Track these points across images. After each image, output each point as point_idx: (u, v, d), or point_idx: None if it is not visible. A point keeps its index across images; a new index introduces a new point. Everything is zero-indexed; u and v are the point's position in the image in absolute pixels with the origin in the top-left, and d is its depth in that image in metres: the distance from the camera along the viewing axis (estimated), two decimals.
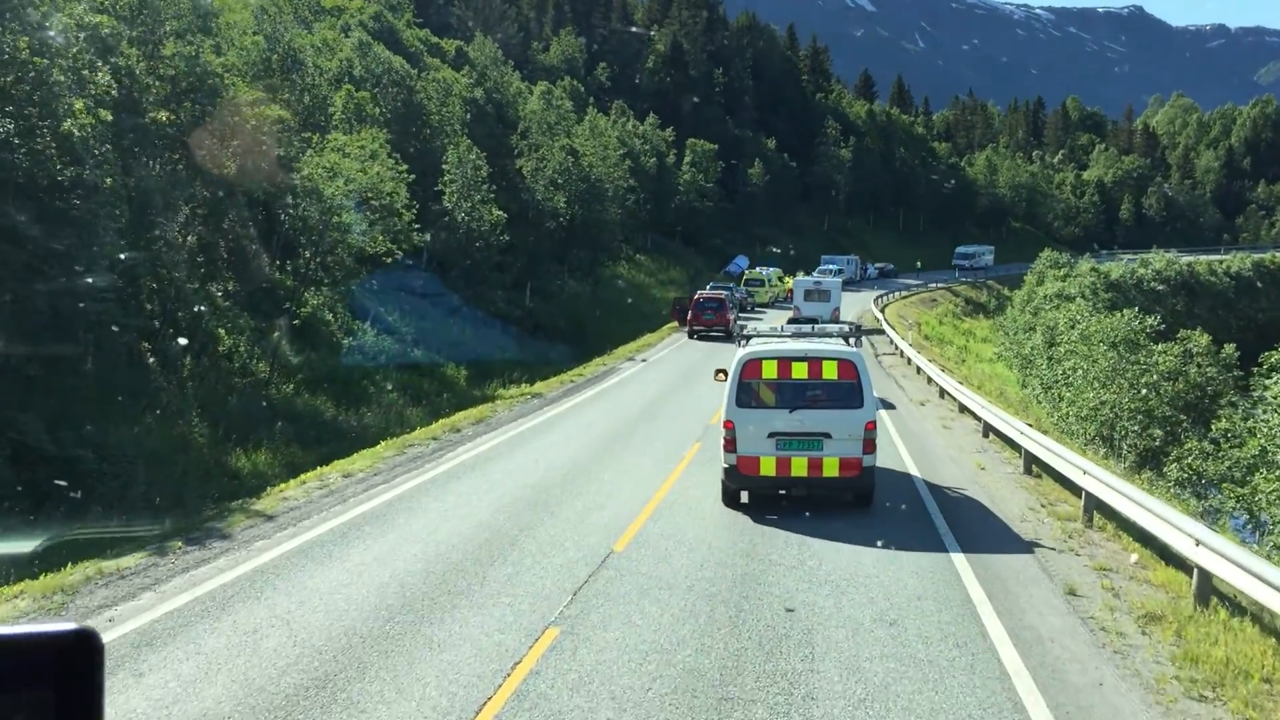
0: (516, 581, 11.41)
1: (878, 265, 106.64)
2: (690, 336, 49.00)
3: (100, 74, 24.37)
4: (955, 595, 11.07)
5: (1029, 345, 54.40)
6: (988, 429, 22.79)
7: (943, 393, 29.75)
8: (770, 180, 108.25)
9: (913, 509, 15.33)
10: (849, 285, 69.89)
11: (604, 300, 67.78)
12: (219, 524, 13.96)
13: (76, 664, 1.46)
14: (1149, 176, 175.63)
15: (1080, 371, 39.48)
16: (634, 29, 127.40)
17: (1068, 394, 40.13)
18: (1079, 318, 48.97)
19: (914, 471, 18.46)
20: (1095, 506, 14.63)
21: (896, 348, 45.06)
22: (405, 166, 36.63)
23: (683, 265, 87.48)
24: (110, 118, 24.96)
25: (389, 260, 34.51)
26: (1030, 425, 19.11)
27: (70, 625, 1.48)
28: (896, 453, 20.64)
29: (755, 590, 11.19)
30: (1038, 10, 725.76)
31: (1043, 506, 15.84)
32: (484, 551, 12.66)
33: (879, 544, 13.01)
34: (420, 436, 22.06)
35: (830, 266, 79.82)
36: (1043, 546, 13.27)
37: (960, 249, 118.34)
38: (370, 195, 33.08)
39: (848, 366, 14.98)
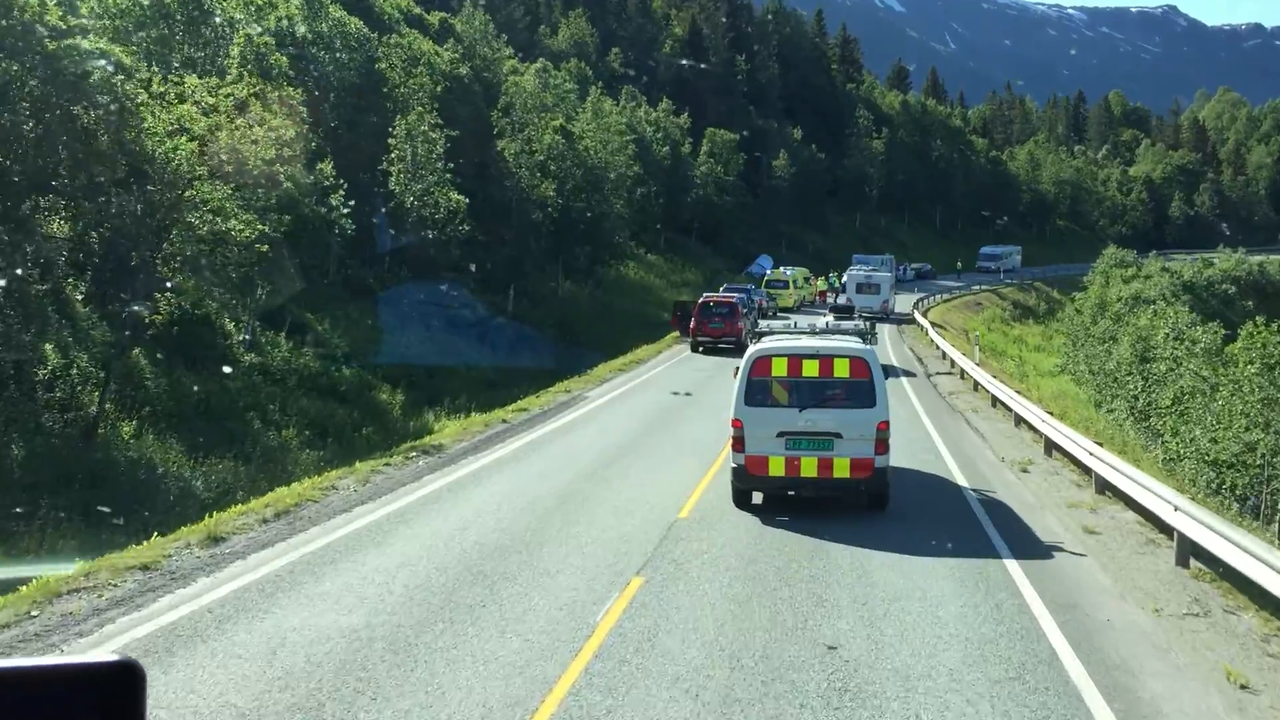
0: None
1: (914, 266, 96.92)
2: (694, 349, 39.43)
3: None
4: None
5: (1113, 359, 44.17)
6: (1186, 548, 12.10)
7: (1050, 447, 19.71)
8: (797, 174, 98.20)
9: None
10: None
11: (605, 304, 58.82)
12: None
13: (120, 694, 1.45)
14: (1199, 173, 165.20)
15: (1208, 399, 29.51)
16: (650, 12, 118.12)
17: (1184, 429, 30.29)
18: (1182, 326, 38.88)
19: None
20: None
21: (954, 364, 35.46)
22: (299, 127, 27.21)
23: (699, 265, 78.46)
24: None
25: (265, 249, 25.04)
26: None
27: (113, 656, 1.47)
28: (1035, 623, 9.96)
29: None
30: (1070, 10, 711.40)
31: None
32: None
33: None
34: (128, 560, 11.05)
35: (862, 268, 70.40)
36: None
37: (985, 249, 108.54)
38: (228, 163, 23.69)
39: (860, 364, 14.48)
